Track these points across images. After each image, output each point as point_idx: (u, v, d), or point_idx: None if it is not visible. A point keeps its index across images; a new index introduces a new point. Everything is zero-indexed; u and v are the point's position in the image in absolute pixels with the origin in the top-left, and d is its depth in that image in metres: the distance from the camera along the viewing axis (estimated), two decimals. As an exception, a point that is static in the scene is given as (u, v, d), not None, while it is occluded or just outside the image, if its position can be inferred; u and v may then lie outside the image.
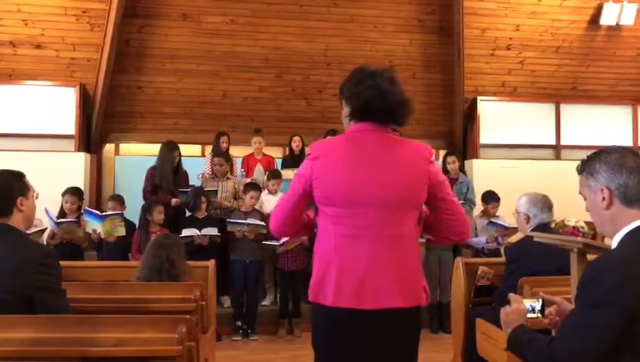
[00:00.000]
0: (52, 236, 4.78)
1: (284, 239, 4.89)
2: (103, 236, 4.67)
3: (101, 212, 5.10)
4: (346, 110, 2.01)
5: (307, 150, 5.65)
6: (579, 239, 2.54)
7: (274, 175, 5.66)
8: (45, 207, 4.51)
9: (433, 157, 1.99)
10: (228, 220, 5.08)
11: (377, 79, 1.92)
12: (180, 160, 5.61)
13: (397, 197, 1.87)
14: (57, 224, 4.69)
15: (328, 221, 1.92)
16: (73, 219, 4.83)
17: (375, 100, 1.90)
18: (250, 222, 5.00)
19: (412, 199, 1.91)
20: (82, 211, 5.04)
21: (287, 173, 5.66)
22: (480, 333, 3.33)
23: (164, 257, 3.19)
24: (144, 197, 5.37)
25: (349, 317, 1.84)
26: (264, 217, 5.12)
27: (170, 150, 5.51)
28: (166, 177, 5.41)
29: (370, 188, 1.86)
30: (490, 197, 5.59)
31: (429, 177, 1.92)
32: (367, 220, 1.86)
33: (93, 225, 4.72)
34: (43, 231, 4.61)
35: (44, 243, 4.66)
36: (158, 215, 4.92)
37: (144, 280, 3.15)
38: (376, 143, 1.92)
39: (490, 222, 5.16)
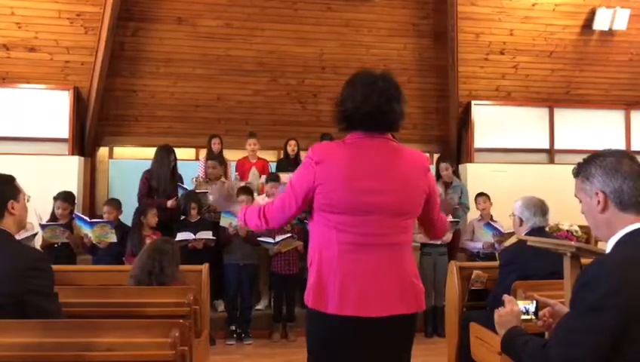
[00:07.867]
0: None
1: (278, 238, 4.88)
2: (93, 241, 4.66)
3: (96, 216, 5.05)
4: (341, 117, 1.95)
5: (303, 153, 5.65)
6: (572, 243, 2.54)
7: (272, 178, 5.61)
8: (35, 208, 4.48)
9: (430, 166, 2.04)
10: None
11: (379, 83, 1.90)
12: (175, 163, 5.60)
13: (398, 205, 1.89)
14: (43, 227, 4.68)
15: (330, 227, 1.89)
16: (58, 223, 4.81)
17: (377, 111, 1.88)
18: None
19: (411, 208, 1.95)
20: (73, 216, 5.02)
21: (284, 177, 5.62)
22: (474, 337, 3.34)
23: (156, 261, 3.19)
24: (139, 201, 5.35)
25: (352, 324, 1.84)
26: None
27: (167, 154, 5.50)
28: (164, 181, 5.41)
29: (372, 196, 1.85)
30: (479, 196, 5.61)
31: (428, 186, 1.97)
32: (371, 228, 1.86)
33: (85, 230, 4.71)
34: (34, 235, 4.59)
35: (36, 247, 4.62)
36: (152, 218, 4.91)
37: (135, 279, 3.16)
38: (377, 151, 1.91)
39: (487, 224, 5.16)
